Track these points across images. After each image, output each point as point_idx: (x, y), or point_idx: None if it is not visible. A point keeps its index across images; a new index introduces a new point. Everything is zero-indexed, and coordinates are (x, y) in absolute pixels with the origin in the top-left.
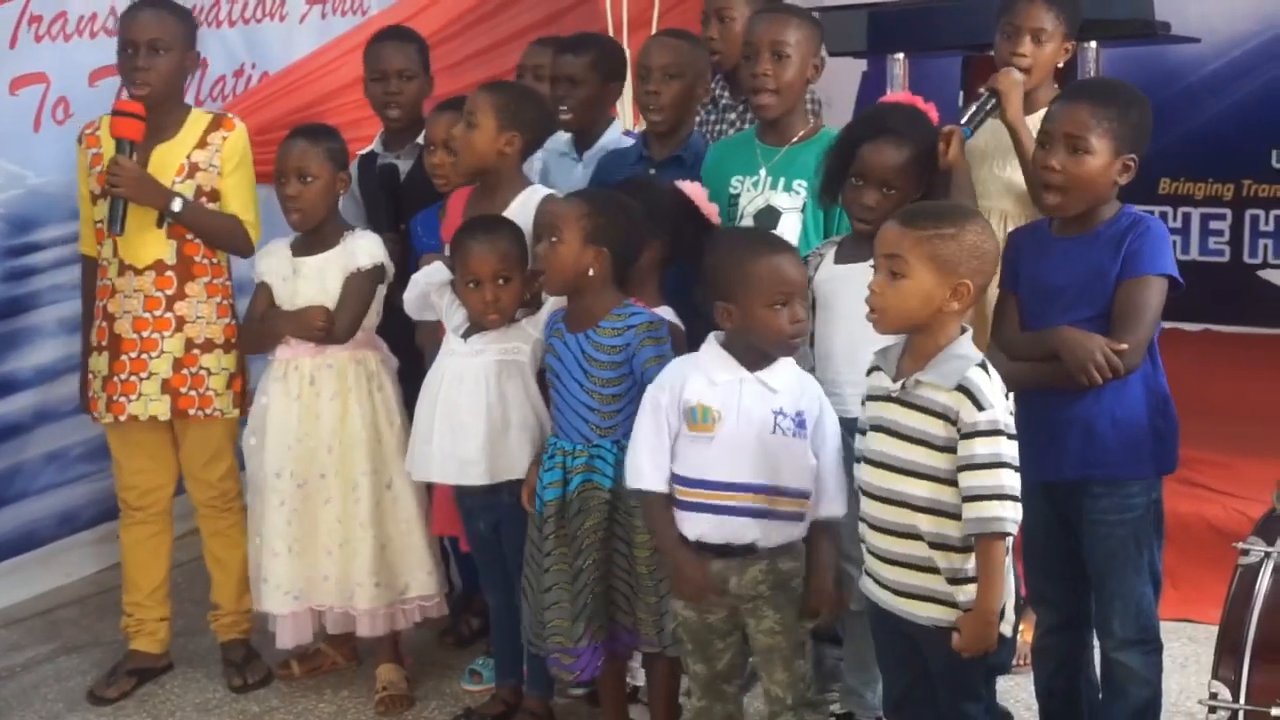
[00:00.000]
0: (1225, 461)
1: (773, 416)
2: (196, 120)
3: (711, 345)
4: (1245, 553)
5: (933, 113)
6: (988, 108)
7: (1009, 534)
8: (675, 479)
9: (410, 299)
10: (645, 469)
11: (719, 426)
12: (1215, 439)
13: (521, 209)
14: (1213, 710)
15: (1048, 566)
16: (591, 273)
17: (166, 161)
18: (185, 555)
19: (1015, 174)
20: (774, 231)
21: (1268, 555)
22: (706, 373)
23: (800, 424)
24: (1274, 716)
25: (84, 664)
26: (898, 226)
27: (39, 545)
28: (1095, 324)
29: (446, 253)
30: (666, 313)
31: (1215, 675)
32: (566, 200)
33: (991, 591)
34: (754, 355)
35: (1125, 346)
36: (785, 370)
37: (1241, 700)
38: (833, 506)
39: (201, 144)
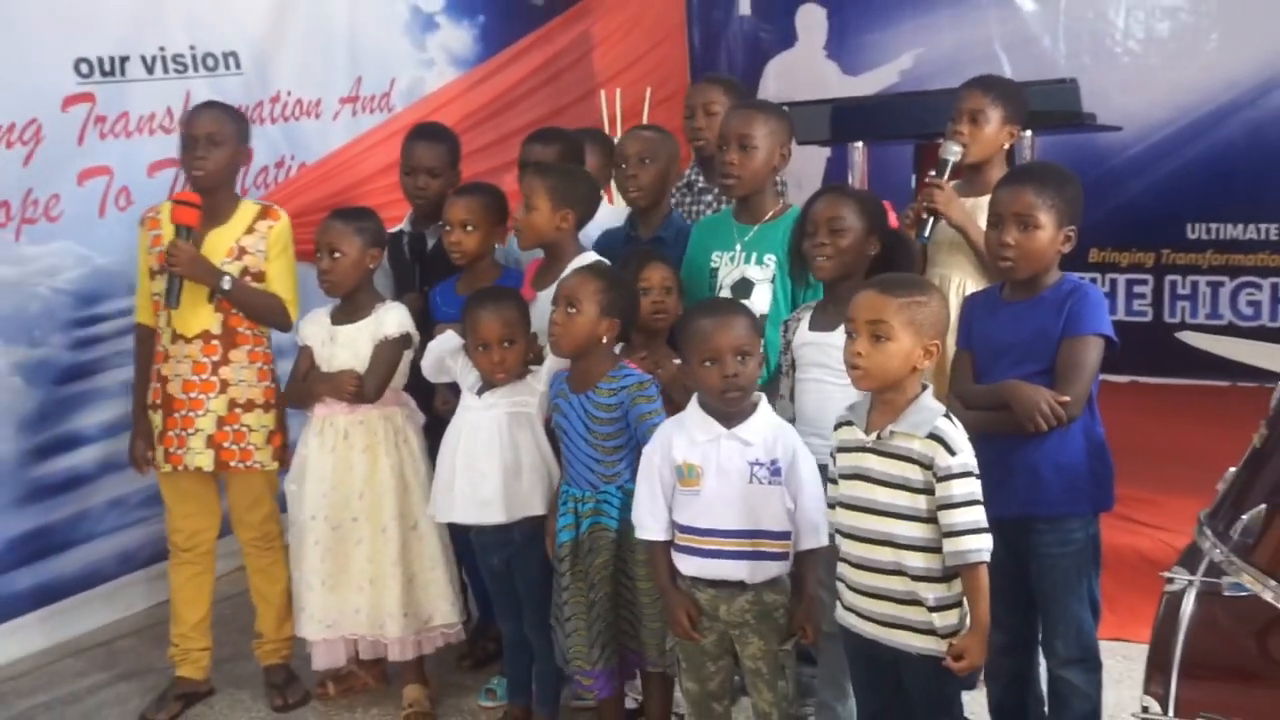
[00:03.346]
0: (1154, 499)
1: (749, 468)
2: (246, 210)
3: (694, 406)
4: (1170, 580)
5: (891, 214)
6: (932, 222)
7: (986, 561)
8: (676, 526)
9: (427, 365)
10: (647, 522)
11: (703, 481)
12: (1145, 478)
13: None
14: None
15: (999, 594)
16: (605, 340)
17: (218, 244)
18: (232, 589)
19: (968, 252)
20: (741, 300)
21: (1190, 583)
22: (689, 432)
23: (775, 471)
24: None
25: (140, 689)
26: (879, 295)
27: (102, 582)
28: (1041, 378)
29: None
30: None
31: (1146, 690)
32: (583, 275)
33: (983, 611)
34: (727, 411)
35: (1068, 399)
36: (759, 423)
37: (1170, 713)
38: (812, 539)
39: (249, 230)
